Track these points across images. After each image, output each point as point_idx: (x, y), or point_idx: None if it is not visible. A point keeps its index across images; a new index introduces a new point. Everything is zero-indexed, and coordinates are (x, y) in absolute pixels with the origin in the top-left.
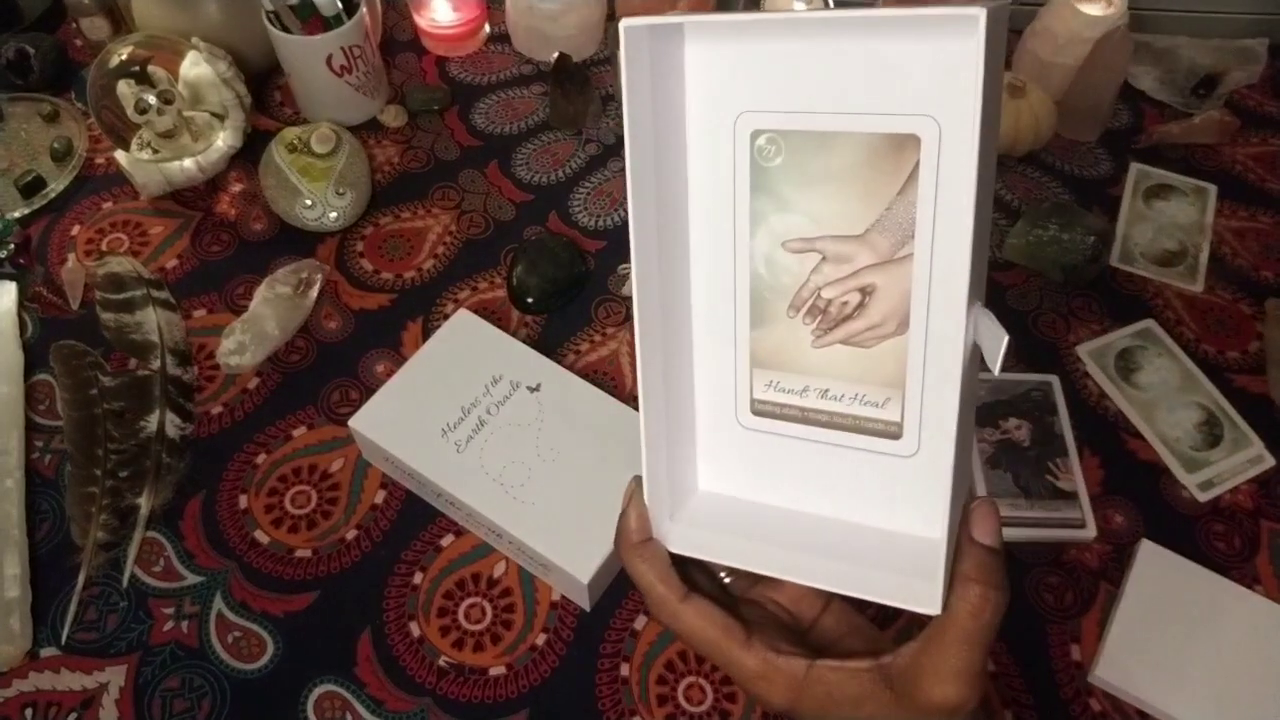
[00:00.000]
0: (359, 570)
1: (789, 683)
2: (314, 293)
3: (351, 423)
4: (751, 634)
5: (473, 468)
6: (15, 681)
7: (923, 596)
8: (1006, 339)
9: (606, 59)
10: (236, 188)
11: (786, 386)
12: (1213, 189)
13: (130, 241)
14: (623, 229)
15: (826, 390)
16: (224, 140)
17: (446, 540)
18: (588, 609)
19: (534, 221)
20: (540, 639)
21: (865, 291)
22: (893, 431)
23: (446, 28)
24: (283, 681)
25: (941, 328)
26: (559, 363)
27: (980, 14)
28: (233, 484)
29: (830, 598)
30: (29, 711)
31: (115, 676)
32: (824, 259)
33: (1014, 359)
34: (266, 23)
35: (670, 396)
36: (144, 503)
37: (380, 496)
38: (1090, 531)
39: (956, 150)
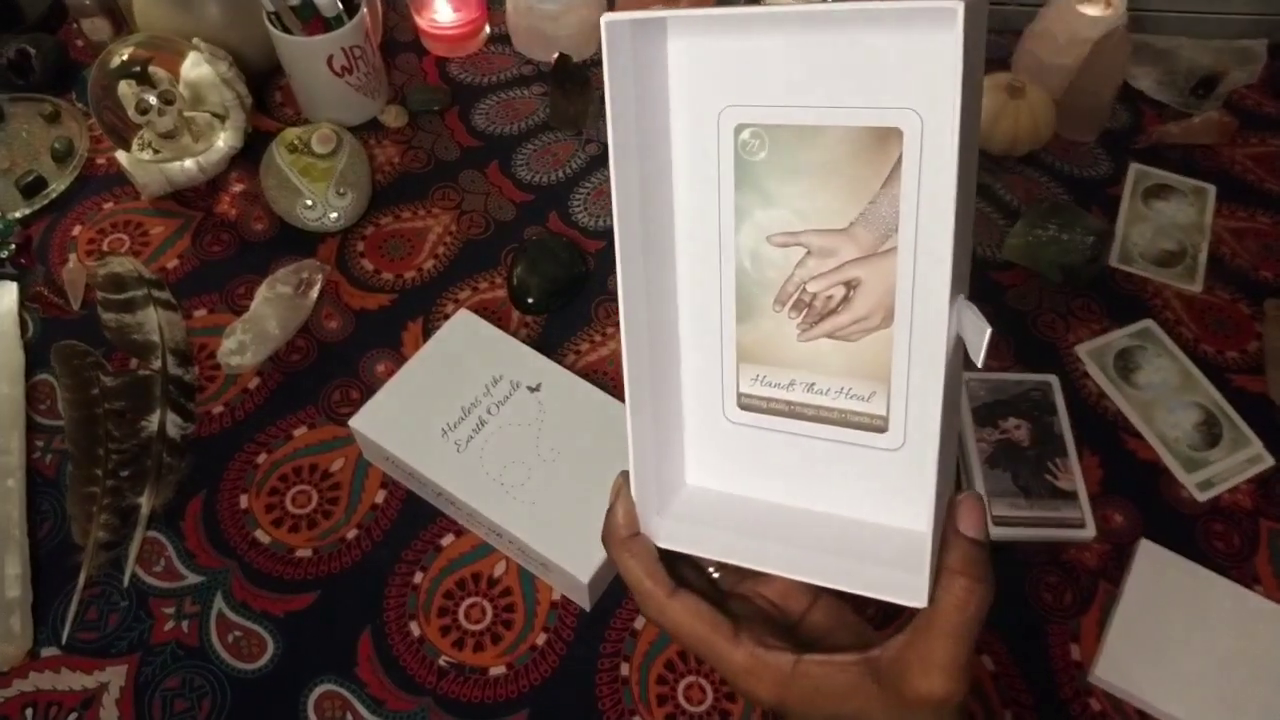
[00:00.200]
0: (359, 570)
1: (776, 677)
2: (314, 293)
3: (352, 422)
4: (739, 629)
5: (473, 468)
6: (16, 681)
7: (908, 589)
8: (989, 331)
9: None
10: (237, 188)
11: (773, 381)
12: (1212, 189)
13: (131, 242)
14: None
15: (812, 384)
16: (225, 141)
17: (447, 540)
18: (588, 609)
19: (534, 221)
20: (540, 639)
21: (850, 285)
22: (878, 425)
23: (447, 28)
24: (283, 681)
25: (926, 321)
26: (559, 363)
27: (958, 6)
28: (233, 484)
29: (819, 592)
30: (29, 711)
31: (116, 676)
32: (809, 253)
33: (1013, 359)
34: (267, 23)
35: (657, 391)
36: (145, 502)
37: (381, 496)
38: (1090, 531)
39: (938, 143)
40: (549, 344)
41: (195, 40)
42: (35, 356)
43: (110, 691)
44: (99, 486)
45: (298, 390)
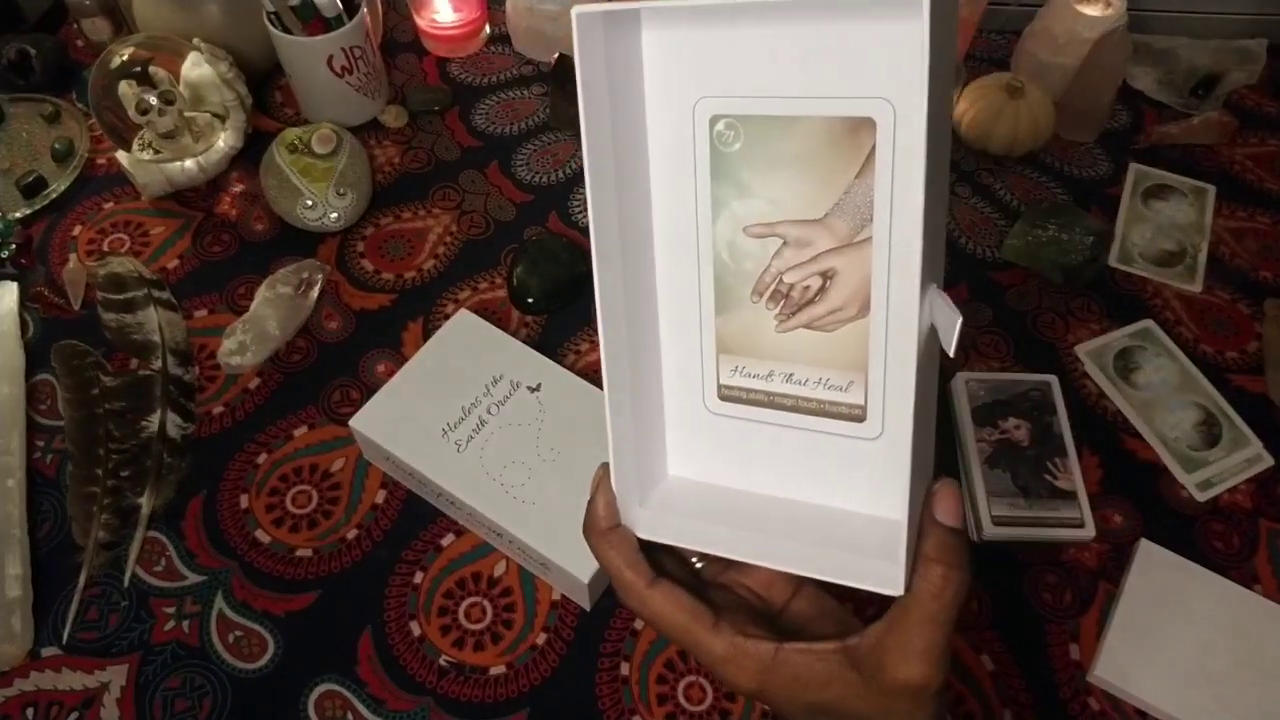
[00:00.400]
0: (360, 570)
1: (756, 666)
2: (315, 293)
3: (352, 422)
4: (719, 618)
5: (473, 468)
6: (16, 681)
7: (885, 578)
8: (960, 320)
9: None
10: (237, 188)
11: (752, 371)
12: (1211, 189)
13: (131, 242)
14: None
15: (791, 375)
16: (225, 141)
17: (447, 540)
18: (588, 608)
19: (534, 222)
20: (540, 638)
21: (826, 275)
22: (856, 415)
23: (447, 28)
24: (283, 681)
25: (901, 311)
26: (559, 363)
27: None
28: (234, 484)
29: (801, 581)
30: (30, 711)
31: (116, 676)
32: (785, 243)
33: (1013, 359)
34: (268, 24)
35: (637, 383)
36: (145, 502)
37: (381, 496)
38: (1089, 531)
39: (910, 133)
40: (549, 344)
41: (195, 40)
42: (35, 356)
43: (111, 691)
44: (99, 486)
45: (298, 390)
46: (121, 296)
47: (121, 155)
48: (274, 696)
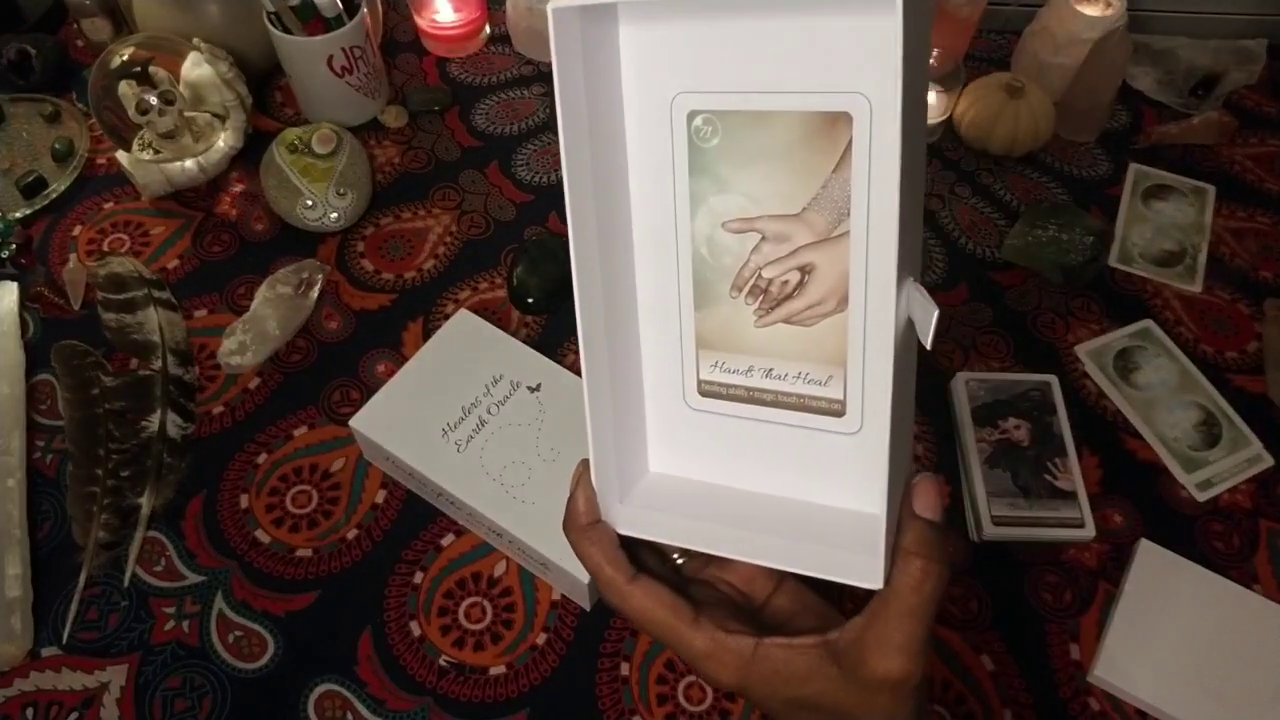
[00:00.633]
0: (360, 570)
1: (737, 661)
2: (315, 293)
3: (352, 423)
4: (700, 613)
5: (473, 468)
6: (16, 681)
7: (864, 571)
8: (937, 313)
9: None
10: (238, 188)
11: (732, 367)
12: (1211, 189)
13: (131, 242)
14: None
15: (771, 370)
16: (225, 141)
17: (447, 540)
18: (588, 608)
19: (534, 222)
20: (540, 638)
21: (804, 270)
22: (836, 409)
23: (447, 28)
24: (283, 681)
25: (879, 305)
26: (559, 363)
27: None
28: (234, 484)
29: (782, 576)
30: (30, 711)
31: (116, 676)
32: (763, 238)
33: (1013, 359)
34: (267, 24)
35: (617, 380)
36: (145, 502)
37: (381, 496)
38: (1089, 531)
39: (886, 127)
40: (549, 344)
41: (195, 40)
42: (36, 356)
43: (111, 691)
44: (99, 486)
45: (298, 390)
46: (121, 296)
47: (121, 155)
48: (274, 696)
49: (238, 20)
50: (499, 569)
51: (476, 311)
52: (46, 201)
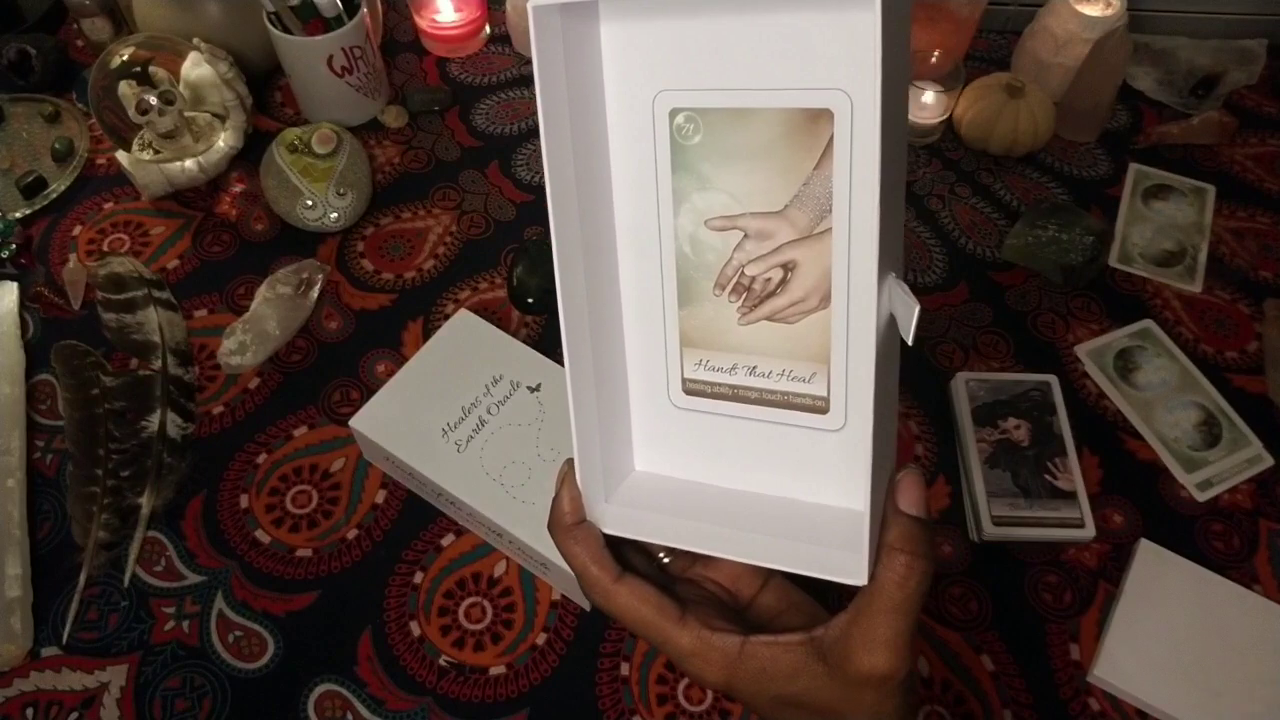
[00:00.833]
0: (359, 570)
1: (723, 659)
2: (315, 293)
3: (352, 423)
4: (685, 612)
5: (473, 468)
6: (16, 681)
7: (849, 568)
8: (918, 309)
9: None
10: (237, 188)
11: (716, 365)
12: (1211, 189)
13: (131, 242)
14: None
15: (755, 367)
16: (225, 141)
17: (447, 540)
18: (588, 608)
19: (534, 222)
20: (540, 638)
21: (787, 267)
22: (820, 406)
23: (447, 28)
24: (283, 681)
25: (862, 301)
26: (559, 363)
27: None
28: (234, 484)
29: (769, 574)
30: (30, 711)
31: (116, 676)
32: (746, 236)
33: (1013, 359)
34: (267, 24)
35: (601, 378)
36: (145, 502)
37: (381, 496)
38: (1089, 531)
39: (867, 123)
40: (549, 344)
41: (195, 40)
42: (36, 356)
43: (111, 691)
44: (99, 486)
45: (298, 390)
46: (121, 296)
47: (121, 155)
48: (274, 696)
49: (238, 20)
50: (499, 569)
51: (476, 311)
52: (46, 201)
